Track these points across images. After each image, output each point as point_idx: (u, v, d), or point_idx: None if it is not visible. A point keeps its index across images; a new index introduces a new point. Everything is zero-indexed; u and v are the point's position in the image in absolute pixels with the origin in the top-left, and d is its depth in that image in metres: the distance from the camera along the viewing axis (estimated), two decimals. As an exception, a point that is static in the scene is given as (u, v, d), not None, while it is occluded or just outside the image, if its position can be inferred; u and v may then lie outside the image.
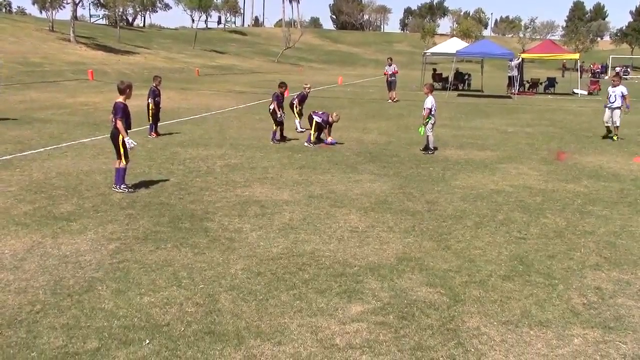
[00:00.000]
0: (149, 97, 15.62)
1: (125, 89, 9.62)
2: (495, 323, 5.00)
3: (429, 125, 13.48)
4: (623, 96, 16.20)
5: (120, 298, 5.34)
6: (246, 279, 5.84)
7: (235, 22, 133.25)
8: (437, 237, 7.34)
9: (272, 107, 14.61)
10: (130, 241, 6.95)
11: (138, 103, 23.82)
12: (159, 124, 15.67)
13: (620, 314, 5.24)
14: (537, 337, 4.78)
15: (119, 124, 9.27)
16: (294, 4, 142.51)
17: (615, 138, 16.05)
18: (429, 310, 5.20)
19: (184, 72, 47.18)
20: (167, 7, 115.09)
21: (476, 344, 4.63)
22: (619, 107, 16.19)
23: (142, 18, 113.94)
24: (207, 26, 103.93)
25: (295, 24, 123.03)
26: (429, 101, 13.33)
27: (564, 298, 5.56)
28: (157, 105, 15.53)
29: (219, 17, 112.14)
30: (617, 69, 71.58)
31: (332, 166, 11.72)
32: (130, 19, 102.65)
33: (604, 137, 16.46)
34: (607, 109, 16.50)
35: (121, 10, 76.19)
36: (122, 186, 9.36)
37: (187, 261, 6.32)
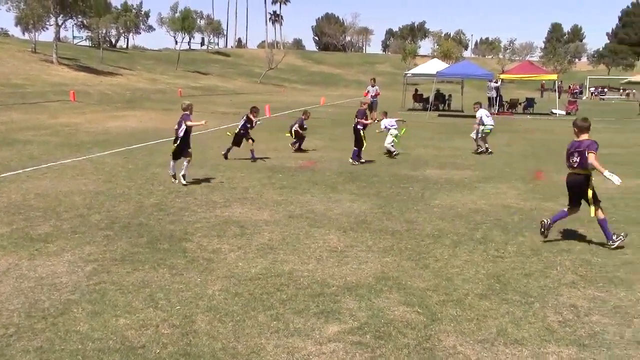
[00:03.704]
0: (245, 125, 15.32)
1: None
2: (471, 342, 5.03)
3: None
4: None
5: (96, 320, 5.30)
6: (223, 300, 5.82)
7: (218, 44, 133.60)
8: (415, 256, 7.38)
9: (295, 127, 16.85)
10: (107, 263, 6.91)
11: (119, 124, 23.84)
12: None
13: (595, 331, 5.29)
14: (513, 355, 4.82)
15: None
16: (277, 25, 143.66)
17: None
18: (405, 330, 5.22)
19: (167, 93, 47.15)
20: (150, 28, 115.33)
21: (452, 363, 4.65)
22: None
23: (126, 40, 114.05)
24: (190, 47, 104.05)
25: (278, 45, 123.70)
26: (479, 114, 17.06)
27: (539, 316, 5.61)
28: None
29: (202, 39, 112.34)
30: (592, 89, 72.89)
31: (312, 186, 11.75)
32: (113, 41, 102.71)
33: None
34: None
35: (104, 31, 76.24)
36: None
37: (165, 282, 6.29)
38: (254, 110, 15.24)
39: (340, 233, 8.39)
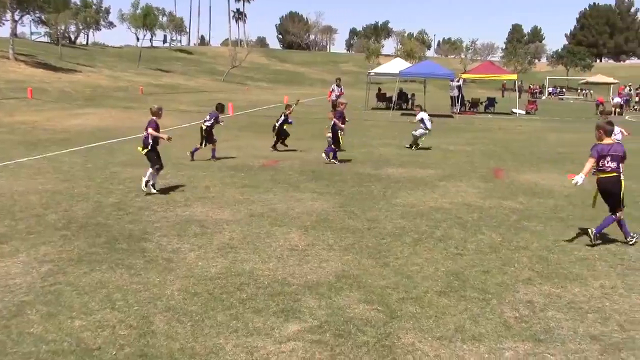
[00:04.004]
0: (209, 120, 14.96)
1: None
2: (429, 338, 5.07)
3: None
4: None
5: (50, 322, 5.19)
6: (182, 300, 5.76)
7: (181, 41, 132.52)
8: (376, 255, 7.41)
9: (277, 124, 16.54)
10: (63, 263, 6.77)
11: (79, 122, 23.41)
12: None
13: (550, 327, 5.39)
14: (470, 351, 4.88)
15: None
16: (240, 23, 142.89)
17: None
18: (365, 328, 5.23)
19: (128, 91, 46.46)
20: (111, 25, 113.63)
21: (410, 360, 4.69)
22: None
23: (85, 36, 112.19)
24: (152, 45, 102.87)
25: (242, 43, 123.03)
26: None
27: (497, 312, 5.69)
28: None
29: (165, 36, 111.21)
30: (550, 89, 74.49)
31: (274, 185, 11.72)
32: (72, 37, 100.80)
33: None
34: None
35: (63, 27, 74.76)
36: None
37: (122, 283, 6.20)
38: (220, 107, 15.15)
39: (302, 232, 8.38)
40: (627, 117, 37.68)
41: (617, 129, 14.62)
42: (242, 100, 42.85)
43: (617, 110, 39.26)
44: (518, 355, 4.82)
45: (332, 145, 14.83)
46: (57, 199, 9.95)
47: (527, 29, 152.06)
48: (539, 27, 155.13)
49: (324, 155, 14.72)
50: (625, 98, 44.17)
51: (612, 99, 41.21)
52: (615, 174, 8.12)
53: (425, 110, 18.50)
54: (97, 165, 13.39)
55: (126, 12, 78.86)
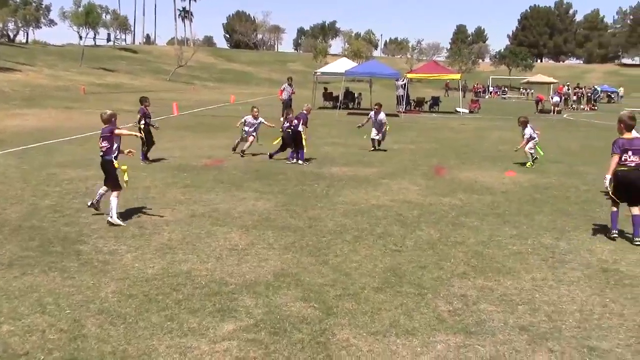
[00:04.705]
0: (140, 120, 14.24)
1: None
2: (364, 334, 5.13)
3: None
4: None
5: (-24, 328, 5.02)
6: (116, 302, 5.66)
7: (125, 40, 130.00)
8: (315, 253, 7.45)
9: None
10: (-7, 268, 6.56)
11: (16, 123, 22.69)
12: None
13: (482, 319, 5.53)
14: (403, 345, 4.95)
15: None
16: (187, 22, 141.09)
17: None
18: (301, 325, 5.25)
19: (69, 91, 45.36)
20: (52, 23, 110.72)
21: (344, 356, 4.73)
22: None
23: (25, 34, 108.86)
24: (95, 43, 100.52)
25: (188, 42, 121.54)
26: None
27: (431, 306, 5.80)
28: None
29: (108, 34, 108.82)
30: (492, 89, 76.30)
31: (217, 184, 11.63)
32: (11, 35, 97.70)
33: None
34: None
35: (1, 25, 72.32)
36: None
37: (55, 286, 6.05)
38: (145, 100, 14.38)
39: (243, 231, 8.35)
40: (565, 116, 38.91)
41: (528, 130, 15.14)
42: (189, 99, 42.39)
43: (556, 108, 40.47)
44: (449, 348, 4.92)
45: (295, 149, 14.84)
46: (-11, 202, 9.64)
47: (471, 30, 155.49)
48: (482, 28, 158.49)
49: (294, 160, 14.70)
50: (564, 97, 45.61)
51: (551, 98, 42.43)
52: (638, 169, 8.15)
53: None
54: (33, 167, 13.01)
55: (68, 10, 76.87)
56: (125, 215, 8.99)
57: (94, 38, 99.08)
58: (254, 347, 4.81)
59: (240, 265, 6.89)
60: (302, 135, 14.83)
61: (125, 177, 8.77)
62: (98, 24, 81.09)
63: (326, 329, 5.19)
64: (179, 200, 10.18)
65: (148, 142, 14.17)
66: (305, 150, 14.86)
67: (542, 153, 15.35)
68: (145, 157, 14.10)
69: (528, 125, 15.19)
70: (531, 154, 15.13)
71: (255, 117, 15.69)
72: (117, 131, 8.81)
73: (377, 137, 17.66)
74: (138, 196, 10.40)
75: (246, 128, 15.73)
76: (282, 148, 15.22)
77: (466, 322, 5.45)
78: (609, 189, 8.33)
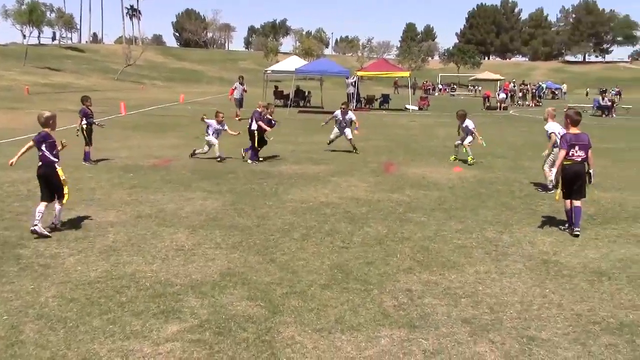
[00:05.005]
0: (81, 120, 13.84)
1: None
2: (309, 331, 5.14)
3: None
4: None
5: None
6: (57, 307, 5.52)
7: (71, 39, 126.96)
8: (263, 251, 7.43)
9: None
10: None
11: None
12: None
13: (426, 313, 5.61)
14: (348, 341, 4.99)
15: None
16: (135, 20, 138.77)
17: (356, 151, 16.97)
18: (246, 324, 5.24)
19: (13, 91, 44.07)
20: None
21: (289, 353, 4.73)
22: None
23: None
24: (40, 42, 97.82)
25: (137, 40, 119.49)
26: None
27: (377, 302, 5.86)
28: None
29: (54, 33, 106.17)
30: (440, 86, 77.61)
31: (164, 185, 11.48)
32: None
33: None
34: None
35: (-62, 23, 69.79)
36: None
37: (-8, 292, 5.87)
38: (86, 99, 14.05)
39: (189, 232, 8.26)
40: (511, 112, 39.82)
41: (470, 124, 15.29)
42: (137, 99, 41.69)
43: (502, 105, 41.38)
44: (393, 342, 4.98)
45: (254, 147, 14.71)
46: None
47: (420, 28, 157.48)
48: (431, 26, 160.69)
49: (250, 160, 14.58)
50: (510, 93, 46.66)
51: (498, 95, 43.37)
52: (583, 163, 8.44)
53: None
54: (-28, 170, 12.57)
55: (10, 8, 74.57)
56: (68, 217, 8.77)
57: (39, 37, 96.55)
58: (198, 348, 4.77)
59: (186, 265, 6.82)
60: (255, 134, 14.69)
61: (66, 190, 8.21)
62: (42, 22, 79.05)
63: (271, 328, 5.19)
64: (125, 201, 10.01)
65: (89, 142, 13.88)
66: (258, 150, 14.76)
67: (484, 144, 15.43)
68: (88, 158, 13.79)
69: (466, 118, 15.30)
70: (460, 149, 15.29)
71: (220, 122, 15.08)
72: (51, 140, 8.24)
73: (349, 137, 17.06)
74: (83, 197, 10.17)
75: (210, 131, 14.97)
76: (259, 146, 15.00)
77: (410, 316, 5.53)
78: (553, 182, 8.58)
